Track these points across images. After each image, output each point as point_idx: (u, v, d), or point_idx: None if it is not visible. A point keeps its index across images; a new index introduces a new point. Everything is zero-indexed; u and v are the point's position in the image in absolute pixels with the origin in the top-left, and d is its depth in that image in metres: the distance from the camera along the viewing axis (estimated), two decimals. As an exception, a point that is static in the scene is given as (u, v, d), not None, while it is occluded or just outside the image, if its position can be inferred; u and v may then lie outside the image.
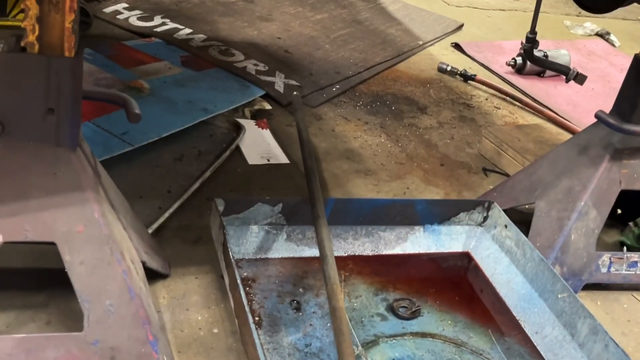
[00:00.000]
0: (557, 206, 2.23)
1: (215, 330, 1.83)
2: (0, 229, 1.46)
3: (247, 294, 1.92)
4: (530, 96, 3.63)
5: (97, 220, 1.51)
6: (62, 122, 1.45)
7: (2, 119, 1.41)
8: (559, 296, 1.94)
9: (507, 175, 2.81)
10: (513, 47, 4.05)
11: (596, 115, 2.22)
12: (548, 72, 3.82)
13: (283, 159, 2.68)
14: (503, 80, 3.78)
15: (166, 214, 2.19)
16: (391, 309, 2.02)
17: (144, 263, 1.78)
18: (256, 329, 1.60)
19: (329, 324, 1.89)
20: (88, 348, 1.52)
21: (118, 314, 1.53)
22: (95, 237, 1.51)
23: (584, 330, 1.85)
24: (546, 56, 3.68)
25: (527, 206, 2.42)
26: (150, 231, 2.06)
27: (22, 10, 1.40)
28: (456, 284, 2.20)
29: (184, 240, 2.15)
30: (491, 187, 2.68)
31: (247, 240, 2.09)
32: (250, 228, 2.10)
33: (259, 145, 2.73)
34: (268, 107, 2.99)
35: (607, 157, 2.20)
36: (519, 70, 3.87)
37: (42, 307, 1.76)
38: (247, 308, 1.68)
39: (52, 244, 1.51)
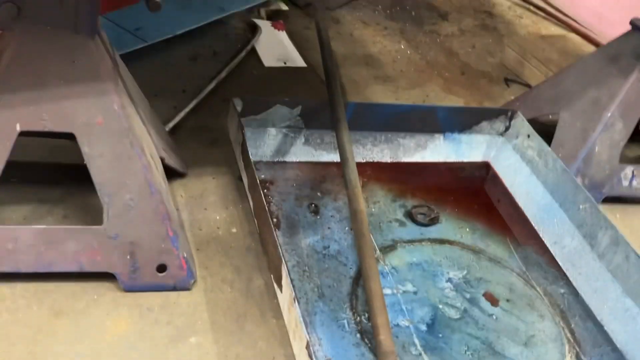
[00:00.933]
0: (582, 117, 2.17)
1: (234, 230, 1.81)
2: (17, 117, 1.41)
3: (265, 196, 1.90)
4: (554, 6, 3.51)
5: (117, 112, 1.46)
6: (80, 6, 1.38)
7: (17, 1, 1.34)
8: (580, 207, 1.92)
9: (528, 86, 2.74)
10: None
11: (631, 22, 2.14)
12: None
13: (300, 62, 2.61)
14: (526, -12, 3.65)
15: (182, 114, 2.14)
16: (409, 216, 2.00)
17: (162, 160, 1.75)
18: (274, 229, 1.59)
19: (347, 228, 1.88)
20: (108, 242, 1.50)
21: (138, 208, 1.50)
22: (115, 129, 1.46)
23: (604, 241, 1.83)
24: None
25: (550, 117, 2.36)
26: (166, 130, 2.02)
27: None
28: (475, 194, 2.18)
29: (200, 141, 2.11)
30: (512, 97, 2.62)
31: (264, 143, 2.05)
32: (268, 130, 2.05)
33: (275, 47, 2.65)
34: (285, 7, 2.88)
35: (638, 66, 2.12)
36: (543, -22, 3.73)
37: (59, 202, 1.74)
38: (266, 208, 1.66)
39: (71, 135, 1.47)
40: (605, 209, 1.98)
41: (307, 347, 1.37)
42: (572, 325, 1.75)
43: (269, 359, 1.51)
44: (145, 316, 1.53)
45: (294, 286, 1.50)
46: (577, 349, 1.69)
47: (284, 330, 1.57)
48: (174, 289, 1.59)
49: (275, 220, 1.85)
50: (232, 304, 1.61)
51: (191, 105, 2.19)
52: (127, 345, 1.46)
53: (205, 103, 2.26)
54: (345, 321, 1.62)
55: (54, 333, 1.45)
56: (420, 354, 1.58)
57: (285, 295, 1.53)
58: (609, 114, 2.11)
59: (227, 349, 1.50)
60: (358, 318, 1.63)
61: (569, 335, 1.72)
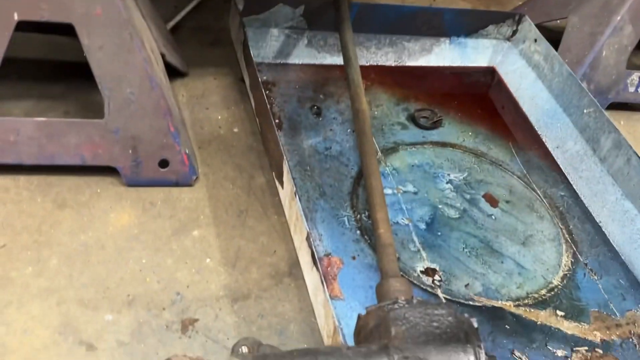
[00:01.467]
0: (591, 21, 2.13)
1: (235, 130, 1.81)
2: (15, 6, 1.38)
3: (267, 97, 1.88)
4: None
5: (116, 3, 1.43)
6: None
7: None
8: (585, 111, 1.90)
9: (538, -8, 2.67)
10: None
11: None
12: None
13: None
14: None
15: (182, 13, 2.11)
16: (412, 119, 1.99)
17: (163, 56, 1.73)
18: (277, 130, 1.58)
19: (349, 130, 1.88)
20: (109, 136, 1.50)
21: (139, 102, 1.50)
22: (115, 21, 1.44)
23: (606, 144, 1.83)
24: None
25: (558, 22, 2.31)
26: (167, 29, 1.99)
27: None
28: (479, 99, 2.16)
29: (201, 41, 2.08)
30: (520, 2, 2.56)
31: (266, 44, 2.02)
32: (270, 31, 2.02)
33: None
34: None
35: (651, -31, 2.07)
36: None
37: (60, 98, 1.73)
38: (268, 107, 1.65)
39: (70, 28, 1.45)
40: (609, 115, 1.96)
41: (308, 238, 1.39)
42: (571, 227, 1.77)
43: (270, 253, 1.53)
44: (148, 210, 1.55)
45: (295, 182, 1.51)
46: (575, 249, 1.71)
47: (285, 226, 1.59)
48: (176, 184, 1.60)
49: (277, 121, 1.84)
50: (234, 200, 1.62)
51: (192, 5, 2.14)
52: (130, 237, 1.48)
53: (206, 4, 2.21)
54: (345, 219, 1.64)
55: (58, 224, 1.47)
56: (418, 251, 1.61)
57: (286, 191, 1.54)
58: (619, 18, 2.06)
59: (229, 242, 1.53)
60: (358, 216, 1.65)
61: (567, 235, 1.74)
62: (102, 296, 1.36)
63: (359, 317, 1.25)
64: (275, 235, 1.57)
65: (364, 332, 1.22)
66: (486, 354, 1.08)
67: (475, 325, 1.12)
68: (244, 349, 1.16)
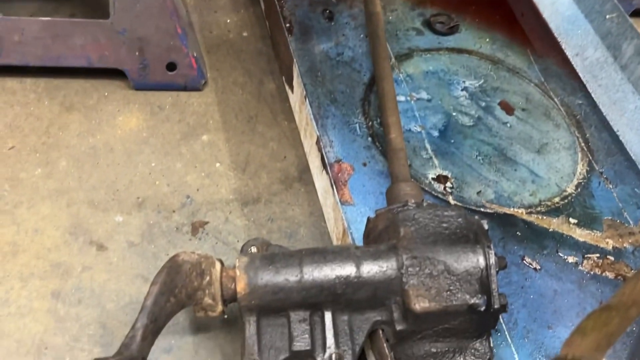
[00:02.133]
0: None
1: (245, 34, 1.77)
2: None
3: (277, 0, 1.82)
4: None
5: None
6: None
7: None
8: (607, 17, 1.83)
9: None
10: None
11: None
12: None
13: None
14: None
15: None
16: (428, 24, 1.93)
17: (169, -45, 1.66)
18: (287, 34, 1.53)
19: (362, 35, 1.82)
20: (115, 37, 1.47)
21: (144, 1, 1.45)
22: None
23: (628, 51, 1.76)
24: None
25: None
26: None
27: None
28: (498, 5, 2.07)
29: (210, -58, 2.00)
30: None
31: (277, -55, 1.94)
32: None
33: None
34: None
35: None
36: None
37: (66, 0, 1.69)
38: (279, 10, 1.60)
39: None
40: (633, 21, 1.88)
41: (317, 142, 1.36)
42: (587, 135, 1.73)
43: (280, 158, 1.51)
44: (157, 114, 1.53)
45: (305, 88, 1.47)
46: (590, 158, 1.68)
47: (296, 132, 1.57)
48: (185, 88, 1.57)
49: (287, 25, 1.79)
50: (243, 106, 1.60)
51: None
52: (139, 140, 1.47)
53: None
54: (356, 125, 1.61)
55: (66, 126, 1.45)
56: (430, 158, 1.58)
57: (296, 95, 1.51)
58: None
59: (239, 147, 1.51)
60: (370, 123, 1.62)
61: (583, 144, 1.71)
62: (112, 198, 1.36)
63: (369, 219, 1.24)
64: (285, 141, 1.55)
65: (373, 234, 1.21)
66: (496, 255, 1.07)
67: (486, 227, 1.11)
68: (253, 249, 1.16)
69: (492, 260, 1.05)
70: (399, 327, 1.05)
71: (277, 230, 1.39)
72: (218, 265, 1.06)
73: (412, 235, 1.09)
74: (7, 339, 1.14)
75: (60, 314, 1.19)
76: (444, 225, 1.11)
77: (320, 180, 1.36)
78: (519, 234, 1.49)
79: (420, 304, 1.02)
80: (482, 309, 1.03)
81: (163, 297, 0.95)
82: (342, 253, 1.08)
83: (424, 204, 1.20)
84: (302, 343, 1.05)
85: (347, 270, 1.06)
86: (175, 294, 0.97)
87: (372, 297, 1.07)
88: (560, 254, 1.47)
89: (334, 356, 1.05)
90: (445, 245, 1.07)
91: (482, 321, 1.06)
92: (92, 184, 1.37)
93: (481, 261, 1.05)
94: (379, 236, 1.18)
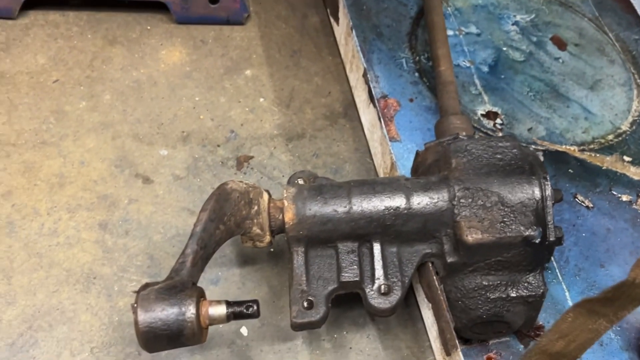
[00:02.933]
0: None
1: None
2: None
3: None
4: None
5: None
6: None
7: None
8: (669, -54, 1.73)
9: None
10: None
11: None
12: None
13: None
14: None
15: None
16: (477, -43, 1.85)
17: None
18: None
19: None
20: (158, -32, 1.44)
21: None
22: None
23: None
24: None
25: None
26: None
27: None
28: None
29: None
30: None
31: None
32: None
33: None
34: None
35: None
36: None
37: None
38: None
39: None
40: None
41: (364, 75, 1.33)
42: (644, 71, 1.65)
43: (324, 94, 1.48)
44: (199, 48, 1.50)
45: (351, 18, 1.43)
46: (646, 94, 1.61)
47: (340, 67, 1.53)
48: (227, 22, 1.54)
49: (332, -42, 1.73)
50: (286, 40, 1.56)
51: None
52: (182, 74, 1.45)
53: None
54: (403, 60, 1.56)
55: (109, 60, 1.44)
56: (480, 93, 1.54)
57: (342, 26, 1.47)
58: None
59: (283, 82, 1.48)
60: (417, 58, 1.57)
61: (638, 80, 1.64)
62: (157, 132, 1.35)
63: (417, 153, 1.21)
64: (330, 77, 1.51)
65: (422, 168, 1.18)
66: (551, 187, 1.03)
67: (542, 158, 1.07)
68: (300, 181, 1.14)
69: (548, 191, 1.02)
70: (449, 260, 1.03)
71: (322, 166, 1.36)
72: (266, 196, 1.05)
73: (465, 167, 1.05)
74: (57, 267, 1.15)
75: (107, 244, 1.19)
76: (498, 156, 1.07)
77: (367, 114, 1.33)
78: (571, 171, 1.44)
79: (472, 236, 0.99)
80: (537, 241, 1.00)
81: (212, 224, 0.94)
82: (391, 184, 1.05)
83: (476, 137, 1.17)
84: (350, 274, 1.04)
85: (397, 201, 1.03)
86: (224, 221, 0.96)
87: (421, 229, 1.04)
88: (614, 192, 1.43)
89: (382, 287, 1.03)
90: (499, 177, 1.04)
91: (536, 254, 1.03)
92: (136, 117, 1.36)
93: (537, 192, 1.02)
94: (429, 169, 1.15)
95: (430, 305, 1.09)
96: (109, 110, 1.36)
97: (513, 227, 1.00)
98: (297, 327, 1.02)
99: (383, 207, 1.03)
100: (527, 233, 1.00)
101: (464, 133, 1.18)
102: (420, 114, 1.47)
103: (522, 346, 1.12)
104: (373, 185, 1.06)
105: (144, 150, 1.31)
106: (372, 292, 1.03)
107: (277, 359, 1.12)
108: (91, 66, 1.42)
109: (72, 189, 1.24)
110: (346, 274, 1.04)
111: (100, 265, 1.16)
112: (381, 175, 1.28)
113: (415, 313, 1.19)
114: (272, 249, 1.21)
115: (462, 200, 1.02)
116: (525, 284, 1.05)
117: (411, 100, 1.49)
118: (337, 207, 1.03)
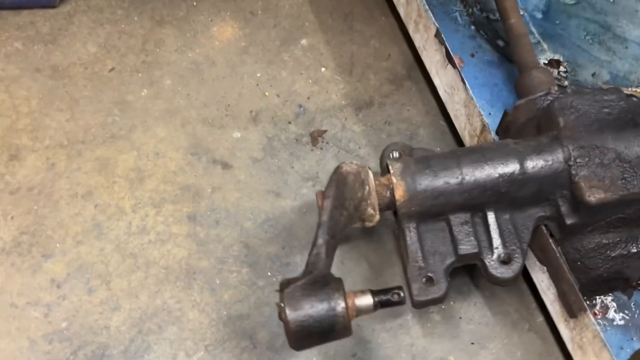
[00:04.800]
0: None
1: None
2: None
3: None
4: None
5: None
6: None
7: None
8: None
9: None
10: None
11: None
12: None
13: None
14: None
15: None
16: None
17: None
18: None
19: None
20: (201, -60, 1.36)
21: None
22: None
23: None
24: None
25: None
26: None
27: None
28: None
29: None
30: None
31: None
32: None
33: None
34: None
35: None
36: None
37: None
38: None
39: None
40: None
41: (437, 34, 1.28)
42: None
43: (384, 57, 1.43)
44: (250, 20, 1.44)
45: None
46: None
47: (395, 27, 1.48)
48: (274, -10, 1.47)
49: None
50: (336, 3, 1.50)
51: None
52: (239, 50, 1.39)
53: None
54: (457, 14, 1.51)
55: (161, 42, 1.38)
56: (538, 42, 1.49)
57: (401, -15, 1.40)
58: None
59: (340, 48, 1.43)
60: (470, 10, 1.52)
61: (694, 13, 1.60)
62: (225, 114, 1.29)
63: (506, 113, 1.17)
64: (386, 38, 1.46)
65: (513, 128, 1.15)
66: (666, 136, 1.01)
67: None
68: (395, 154, 1.10)
69: (665, 142, 0.99)
70: (569, 221, 1.00)
71: (397, 133, 1.32)
72: (371, 173, 1.01)
73: (574, 124, 1.02)
74: (154, 266, 1.11)
75: (200, 236, 1.15)
76: (606, 110, 1.04)
77: (443, 76, 1.28)
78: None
79: (595, 196, 0.97)
80: (661, 195, 0.98)
81: (337, 211, 0.90)
82: (502, 149, 1.02)
83: (569, 90, 1.13)
84: (468, 246, 1.01)
85: (511, 167, 1.00)
86: (345, 206, 0.92)
87: (536, 193, 1.01)
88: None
89: (503, 256, 1.01)
90: (612, 132, 1.01)
91: (655, 207, 1.01)
92: (201, 100, 1.30)
93: (654, 144, 0.99)
94: (523, 129, 1.12)
95: (544, 268, 1.07)
96: (172, 96, 1.30)
97: (635, 182, 0.97)
98: (419, 304, 1.00)
99: (497, 175, 1.00)
100: (650, 187, 0.97)
101: (555, 88, 1.14)
102: (484, 69, 1.42)
103: (626, 296, 1.10)
104: (482, 152, 1.02)
105: (216, 134, 1.26)
106: (493, 262, 1.01)
107: (391, 336, 1.10)
108: (144, 50, 1.35)
109: (153, 182, 1.19)
110: (464, 247, 1.01)
111: (197, 259, 1.13)
112: (465, 139, 1.25)
113: (518, 275, 1.17)
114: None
115: (578, 160, 0.99)
116: (645, 238, 1.03)
117: (472, 55, 1.45)
118: (448, 179, 1.00)
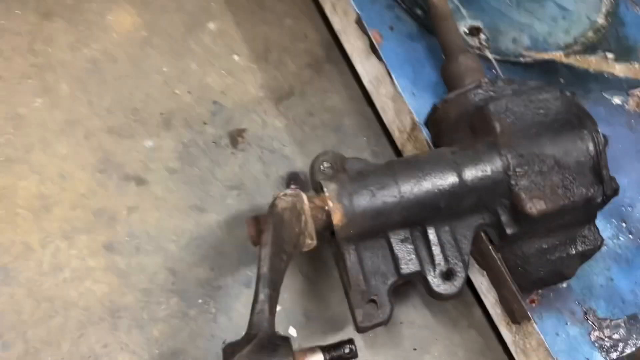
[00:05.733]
0: None
1: None
2: None
3: None
4: None
5: None
6: None
7: None
8: None
9: None
10: None
11: None
12: None
13: None
14: None
15: None
16: None
17: None
18: None
19: None
20: None
21: None
22: None
23: None
24: None
25: None
26: None
27: None
28: None
29: None
30: None
31: None
32: None
33: None
34: None
35: None
36: None
37: None
38: None
39: None
40: None
41: (359, 21, 1.19)
42: (612, -44, 1.58)
43: (301, 37, 1.34)
44: (149, 4, 1.30)
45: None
46: (619, -17, 1.55)
47: (309, 4, 1.37)
48: (173, -33, 1.33)
49: None
50: (243, -20, 1.37)
51: None
52: (140, 41, 1.25)
53: None
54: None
55: (51, 39, 1.22)
56: (458, 8, 1.43)
57: (313, -39, 1.29)
58: None
59: (252, 30, 1.32)
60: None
61: (609, -33, 1.57)
62: (133, 120, 1.18)
63: (435, 108, 1.12)
64: (301, 16, 1.36)
65: (445, 124, 1.10)
66: (603, 136, 0.98)
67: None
68: (325, 165, 1.03)
69: (602, 144, 0.97)
70: (510, 231, 0.97)
71: (321, 125, 1.25)
72: (305, 198, 0.94)
73: (511, 130, 0.98)
74: (74, 308, 1.02)
75: (121, 267, 1.06)
76: (542, 112, 1.00)
77: (367, 67, 1.20)
78: (562, 80, 1.41)
79: (536, 207, 0.94)
80: (600, 200, 0.96)
81: (277, 259, 0.83)
82: (439, 162, 0.97)
83: (499, 83, 1.09)
84: (410, 265, 0.97)
85: (449, 180, 0.95)
86: (285, 249, 0.85)
87: (476, 202, 0.98)
88: (605, 95, 1.41)
89: (445, 272, 0.98)
90: (549, 136, 0.97)
91: (592, 209, 0.99)
92: (105, 106, 1.18)
93: (591, 147, 0.97)
94: (457, 127, 1.07)
95: (483, 272, 1.05)
96: (71, 104, 1.16)
97: (575, 190, 0.95)
98: (364, 330, 0.96)
99: (436, 190, 0.95)
100: (590, 194, 0.95)
101: (485, 79, 1.09)
102: (405, 43, 1.35)
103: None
104: (419, 165, 0.97)
105: (125, 145, 1.15)
106: (436, 280, 0.98)
107: (333, 353, 1.06)
108: (32, 51, 1.20)
109: (61, 210, 1.08)
110: (405, 266, 0.97)
111: (121, 295, 1.04)
112: (396, 133, 1.19)
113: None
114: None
115: (517, 170, 0.95)
116: (582, 239, 1.02)
117: (391, 28, 1.37)
118: (386, 199, 0.94)
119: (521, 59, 1.41)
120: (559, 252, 1.01)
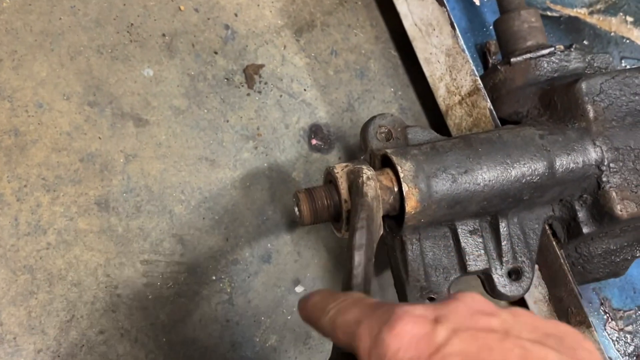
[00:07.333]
0: None
1: None
2: None
3: None
4: None
5: None
6: None
7: None
8: None
9: None
10: None
11: None
12: None
13: None
14: None
15: None
16: None
17: None
18: None
19: None
20: None
21: None
22: None
23: None
24: None
25: None
26: None
27: None
28: None
29: None
30: None
31: None
32: None
33: None
34: None
35: None
36: None
37: None
38: None
39: None
40: None
41: (415, -48, 0.99)
42: None
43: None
44: None
45: None
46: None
47: None
48: None
49: None
50: None
51: None
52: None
53: None
54: None
55: None
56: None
57: None
58: None
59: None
60: None
61: None
62: (129, 39, 0.93)
63: (496, 69, 0.97)
64: None
65: (507, 92, 0.96)
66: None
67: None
68: (382, 130, 0.86)
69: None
70: (586, 230, 0.86)
71: (345, 69, 1.06)
72: (372, 174, 0.77)
73: (606, 117, 0.85)
74: (61, 283, 0.80)
75: (118, 231, 0.84)
76: (637, 98, 0.87)
77: (418, 7, 1.01)
78: (586, 42, 1.32)
79: (627, 210, 0.83)
80: (688, 206, 0.87)
81: (367, 259, 0.66)
82: (528, 147, 0.83)
83: (573, 47, 0.95)
84: (479, 262, 0.84)
85: (539, 170, 0.82)
86: (373, 240, 0.69)
87: (555, 197, 0.85)
88: (624, 63, 1.34)
89: (512, 271, 0.86)
90: (647, 129, 0.86)
91: (668, 211, 0.90)
92: (93, 17, 0.91)
93: (688, 147, 0.86)
94: (522, 96, 0.93)
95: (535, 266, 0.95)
96: (50, 9, 0.89)
97: (667, 193, 0.85)
98: (419, 331, 0.83)
99: (523, 181, 0.81)
100: (681, 199, 0.86)
101: (561, 47, 0.95)
102: None
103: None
104: (506, 149, 0.82)
105: (120, 72, 0.91)
106: (502, 278, 0.85)
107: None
108: None
109: (40, 151, 0.83)
110: (473, 262, 0.84)
111: (119, 266, 0.83)
112: (441, 90, 1.02)
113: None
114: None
115: (612, 165, 0.84)
116: (648, 241, 0.94)
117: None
118: (469, 186, 0.80)
119: (548, 13, 1.29)
120: (624, 254, 0.92)
